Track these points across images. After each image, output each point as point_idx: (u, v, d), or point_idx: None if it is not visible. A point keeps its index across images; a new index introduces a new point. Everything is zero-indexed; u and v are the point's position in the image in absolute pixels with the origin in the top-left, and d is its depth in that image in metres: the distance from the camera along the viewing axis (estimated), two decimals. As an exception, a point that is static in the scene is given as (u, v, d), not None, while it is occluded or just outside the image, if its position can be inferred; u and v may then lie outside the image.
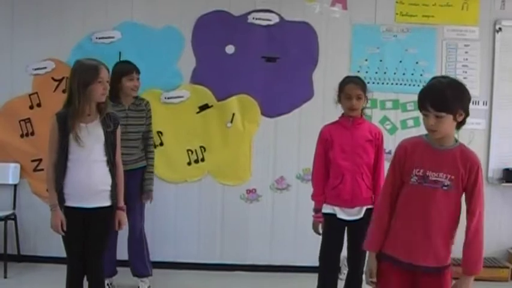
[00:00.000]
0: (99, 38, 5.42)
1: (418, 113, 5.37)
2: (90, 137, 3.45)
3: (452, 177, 2.64)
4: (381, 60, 5.48)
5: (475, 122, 5.52)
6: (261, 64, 5.41)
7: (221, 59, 5.41)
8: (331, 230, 3.92)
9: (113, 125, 3.56)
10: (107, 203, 3.54)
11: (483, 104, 5.54)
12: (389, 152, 5.46)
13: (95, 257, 3.59)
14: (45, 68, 5.46)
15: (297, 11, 5.45)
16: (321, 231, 3.95)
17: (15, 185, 5.48)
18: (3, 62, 5.48)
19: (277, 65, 5.45)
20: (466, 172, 2.66)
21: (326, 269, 4.02)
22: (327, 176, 3.95)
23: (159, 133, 5.38)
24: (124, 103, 4.61)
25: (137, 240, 4.72)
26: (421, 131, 5.39)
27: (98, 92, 3.47)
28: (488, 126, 5.57)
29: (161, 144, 5.38)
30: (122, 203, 3.63)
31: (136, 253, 4.73)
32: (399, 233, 2.76)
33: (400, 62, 5.48)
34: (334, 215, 3.90)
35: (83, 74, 3.49)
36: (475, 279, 5.22)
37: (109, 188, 3.54)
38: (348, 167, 3.87)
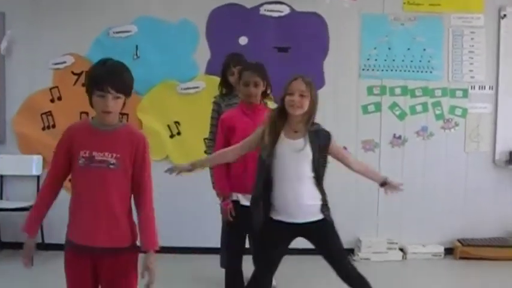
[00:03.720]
0: (116, 33, 5.58)
1: (426, 99, 5.62)
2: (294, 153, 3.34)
3: (118, 155, 2.66)
4: (389, 48, 5.62)
5: (481, 106, 5.69)
6: (273, 54, 5.55)
7: (235, 50, 5.47)
8: (235, 216, 3.84)
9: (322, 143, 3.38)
10: (319, 216, 3.41)
11: (489, 88, 5.68)
12: (400, 137, 5.63)
13: (343, 261, 3.49)
14: (64, 62, 5.63)
15: (307, 2, 5.58)
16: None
17: (38, 176, 5.64)
18: (24, 57, 5.64)
19: (289, 54, 5.59)
20: (133, 149, 2.69)
21: (231, 255, 3.99)
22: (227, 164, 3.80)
23: (176, 123, 5.55)
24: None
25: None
26: (430, 116, 5.61)
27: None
28: (494, 110, 5.70)
29: (178, 133, 5.55)
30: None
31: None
32: (74, 216, 2.74)
33: (408, 49, 5.61)
34: (237, 202, 3.83)
35: None
36: (484, 259, 5.36)
37: (319, 203, 3.41)
38: (251, 154, 3.61)
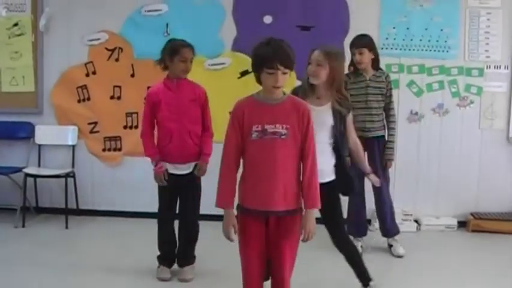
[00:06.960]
0: (148, 11, 5.85)
1: (442, 77, 5.80)
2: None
3: (288, 126, 2.83)
4: (407, 28, 5.76)
5: (497, 85, 5.81)
6: (296, 33, 5.74)
7: (259, 28, 5.76)
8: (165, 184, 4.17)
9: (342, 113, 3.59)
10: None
11: (504, 68, 5.79)
12: (416, 113, 5.80)
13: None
14: (99, 39, 5.91)
15: (329, -18, 5.73)
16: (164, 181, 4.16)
17: (73, 146, 5.96)
18: (61, 34, 5.94)
19: (311, 33, 5.77)
20: (299, 118, 2.86)
21: (162, 218, 4.33)
22: (153, 132, 4.20)
23: (203, 97, 5.80)
24: (365, 74, 4.82)
25: (384, 202, 4.94)
26: (446, 93, 5.80)
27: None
28: (509, 89, 5.80)
29: (205, 106, 5.81)
30: None
31: (385, 215, 4.96)
32: (250, 185, 2.91)
33: (426, 29, 5.74)
34: (166, 170, 4.15)
35: None
36: (496, 232, 5.48)
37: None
38: (176, 127, 4.05)
